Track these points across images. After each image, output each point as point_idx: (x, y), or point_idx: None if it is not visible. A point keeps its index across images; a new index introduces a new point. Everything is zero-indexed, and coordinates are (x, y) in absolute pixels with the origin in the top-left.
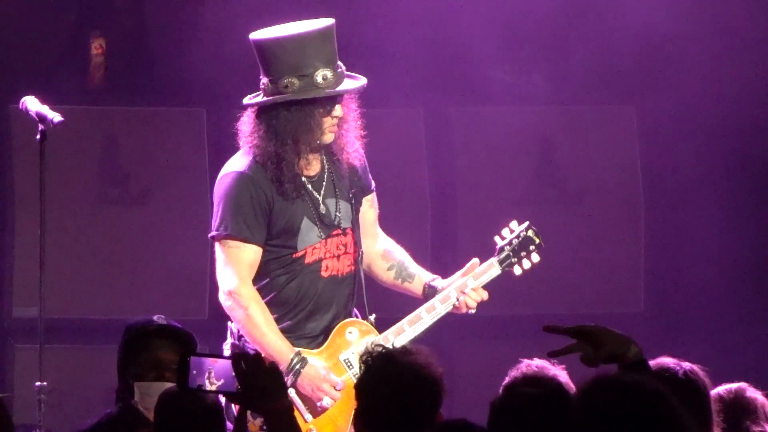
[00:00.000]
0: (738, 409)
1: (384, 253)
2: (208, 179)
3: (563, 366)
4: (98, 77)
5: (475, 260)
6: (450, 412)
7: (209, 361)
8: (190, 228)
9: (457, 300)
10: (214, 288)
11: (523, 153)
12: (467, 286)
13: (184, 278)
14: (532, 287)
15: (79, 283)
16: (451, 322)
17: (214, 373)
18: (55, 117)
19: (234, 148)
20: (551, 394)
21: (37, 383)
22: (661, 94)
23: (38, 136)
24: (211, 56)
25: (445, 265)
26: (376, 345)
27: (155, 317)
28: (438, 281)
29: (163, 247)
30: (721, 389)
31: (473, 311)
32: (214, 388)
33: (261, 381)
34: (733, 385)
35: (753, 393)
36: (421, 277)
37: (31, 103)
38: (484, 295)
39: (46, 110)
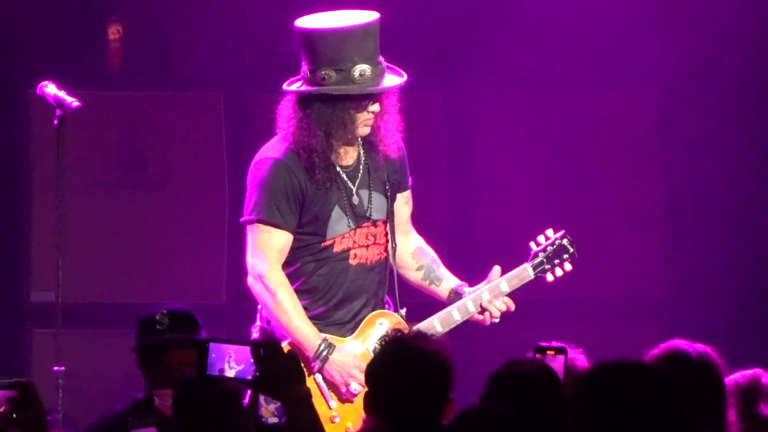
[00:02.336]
0: (754, 394)
1: (414, 252)
2: (226, 164)
3: (582, 349)
4: (115, 62)
5: (497, 268)
6: (467, 397)
7: (229, 346)
8: (208, 212)
9: (486, 303)
10: (231, 272)
11: (540, 138)
12: (500, 289)
13: (201, 263)
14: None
15: (97, 268)
16: None
17: (234, 358)
18: (73, 102)
19: (251, 134)
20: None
21: (55, 368)
22: (680, 76)
23: (56, 122)
24: (228, 41)
25: (462, 251)
26: (394, 329)
27: (158, 317)
28: (465, 288)
29: (180, 231)
30: (737, 375)
31: (497, 320)
32: (233, 372)
33: (279, 368)
34: (749, 372)
35: None
36: (448, 281)
37: (49, 89)
38: (511, 305)
39: (63, 96)
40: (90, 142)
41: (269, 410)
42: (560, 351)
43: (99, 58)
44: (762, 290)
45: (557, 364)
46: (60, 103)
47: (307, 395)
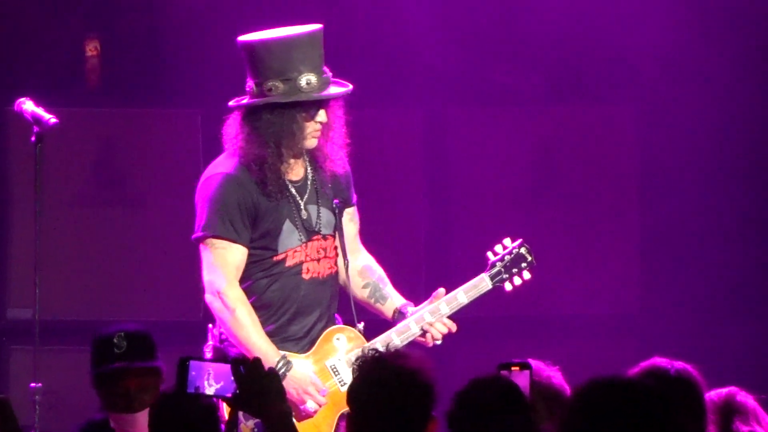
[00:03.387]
0: (730, 412)
1: (362, 270)
2: None
3: (557, 367)
4: (93, 79)
5: (441, 290)
6: (440, 415)
7: (209, 364)
8: (185, 230)
9: (427, 325)
10: None
11: (519, 154)
12: (457, 300)
13: (178, 280)
14: (525, 288)
15: (74, 285)
16: None
17: (213, 375)
18: (51, 119)
19: None
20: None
21: (32, 384)
22: (657, 94)
23: (33, 138)
24: (206, 59)
25: (439, 266)
26: (370, 349)
27: (116, 341)
28: (409, 308)
29: (157, 248)
30: (712, 393)
31: (439, 342)
32: (212, 389)
33: (260, 385)
34: (724, 390)
35: (743, 397)
36: (393, 300)
37: (27, 106)
38: (453, 327)
39: (41, 112)
40: (68, 159)
41: (248, 426)
42: (525, 366)
43: (77, 75)
44: (739, 307)
45: (522, 379)
46: (38, 120)
47: (288, 412)
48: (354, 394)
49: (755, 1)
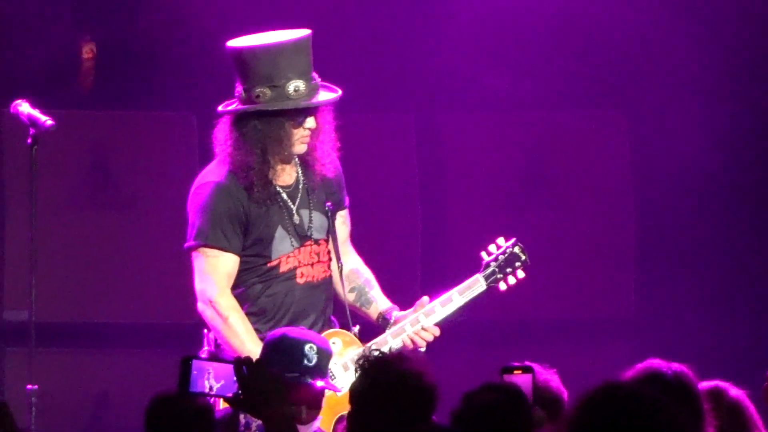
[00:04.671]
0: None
1: (349, 274)
2: None
3: (554, 370)
4: (89, 82)
5: (425, 298)
6: (439, 419)
7: (210, 363)
8: (180, 232)
9: (408, 337)
10: None
11: (513, 159)
12: (451, 301)
13: (173, 282)
14: (521, 292)
15: (70, 287)
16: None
17: (213, 375)
18: (47, 121)
19: None
20: (509, 399)
21: (29, 386)
22: (651, 99)
23: (29, 140)
24: (202, 61)
25: (434, 269)
26: (373, 350)
27: None
28: (394, 312)
29: (153, 251)
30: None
31: (422, 349)
32: (214, 389)
33: (262, 386)
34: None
35: (736, 392)
36: (377, 305)
37: (23, 108)
38: (436, 332)
39: (37, 114)
40: (64, 161)
41: (251, 429)
42: (527, 370)
43: (73, 78)
44: (735, 307)
45: (525, 382)
46: (34, 122)
47: (290, 414)
48: (356, 394)
49: (747, 5)
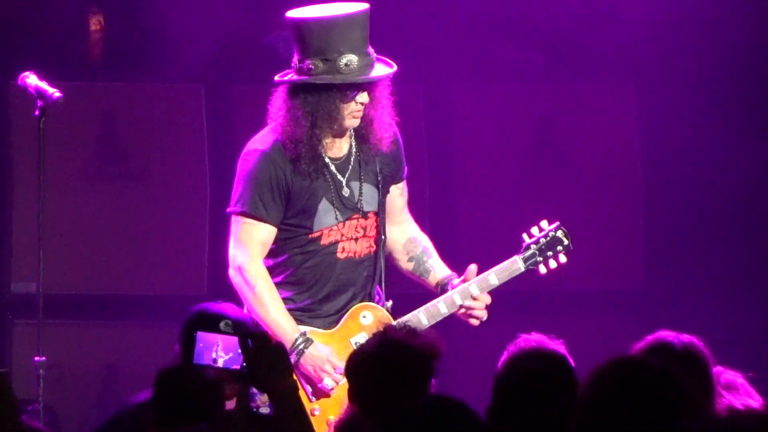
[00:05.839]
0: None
1: (407, 242)
2: (207, 155)
3: (561, 341)
4: (97, 53)
5: (473, 266)
6: (447, 389)
7: (216, 335)
8: (189, 204)
9: (466, 305)
10: (212, 264)
11: (521, 130)
12: (488, 282)
13: (182, 254)
14: None
15: (78, 259)
16: None
17: (222, 347)
18: (54, 93)
19: (232, 125)
20: (554, 367)
21: (36, 358)
22: (661, 71)
23: (37, 112)
24: (210, 33)
25: (443, 241)
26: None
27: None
28: (454, 279)
29: (161, 223)
30: None
31: (485, 317)
32: (221, 361)
33: (267, 360)
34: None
35: (731, 375)
36: (436, 273)
37: (31, 80)
38: (488, 300)
39: (45, 86)
40: (71, 133)
41: (263, 400)
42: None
43: (81, 49)
44: (743, 280)
45: None
46: (41, 94)
47: (295, 387)
48: (351, 364)
49: None
